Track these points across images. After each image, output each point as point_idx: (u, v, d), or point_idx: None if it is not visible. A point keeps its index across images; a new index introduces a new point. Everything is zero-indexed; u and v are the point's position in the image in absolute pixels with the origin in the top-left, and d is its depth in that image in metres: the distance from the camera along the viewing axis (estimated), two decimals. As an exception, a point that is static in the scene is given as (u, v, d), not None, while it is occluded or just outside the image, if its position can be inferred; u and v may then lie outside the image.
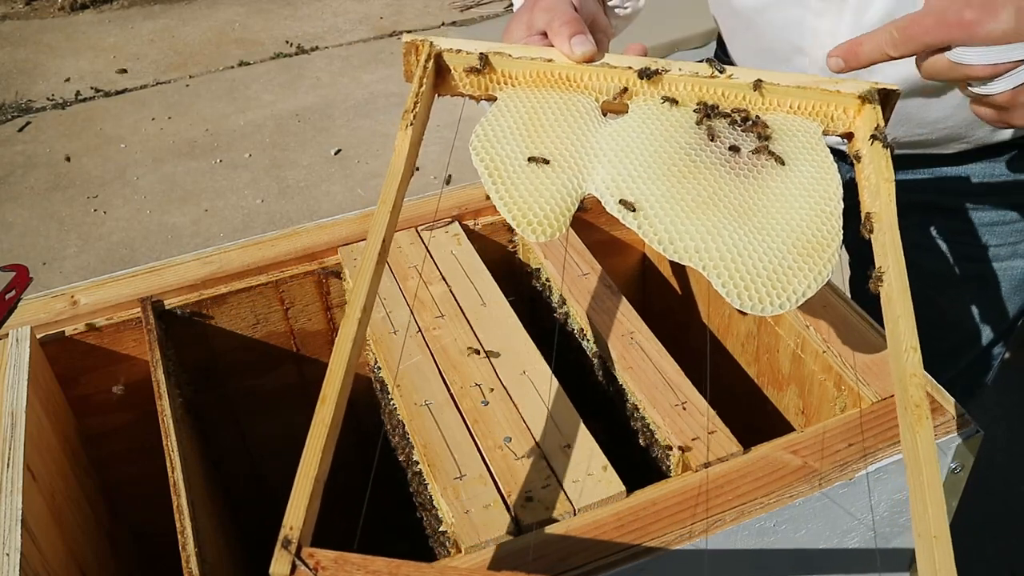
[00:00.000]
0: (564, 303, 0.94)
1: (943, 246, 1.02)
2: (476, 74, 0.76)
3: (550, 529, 0.67)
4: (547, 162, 0.71)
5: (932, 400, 0.74)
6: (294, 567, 0.48)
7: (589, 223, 1.10)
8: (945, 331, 1.08)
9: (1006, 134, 0.93)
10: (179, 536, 0.70)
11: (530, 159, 0.71)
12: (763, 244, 0.67)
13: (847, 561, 0.77)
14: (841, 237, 0.68)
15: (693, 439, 0.74)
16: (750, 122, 0.74)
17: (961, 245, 1.02)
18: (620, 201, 0.69)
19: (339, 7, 4.68)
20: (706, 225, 0.67)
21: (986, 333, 1.08)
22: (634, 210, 0.68)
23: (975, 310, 1.06)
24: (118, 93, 3.96)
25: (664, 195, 0.69)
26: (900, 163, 1.01)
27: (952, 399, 0.74)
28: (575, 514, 0.68)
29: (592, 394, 0.89)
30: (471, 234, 1.02)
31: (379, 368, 0.88)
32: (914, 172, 1.00)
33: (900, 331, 0.61)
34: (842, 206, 0.70)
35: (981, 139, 0.94)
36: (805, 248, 0.67)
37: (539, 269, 1.01)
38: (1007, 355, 1.18)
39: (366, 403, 0.96)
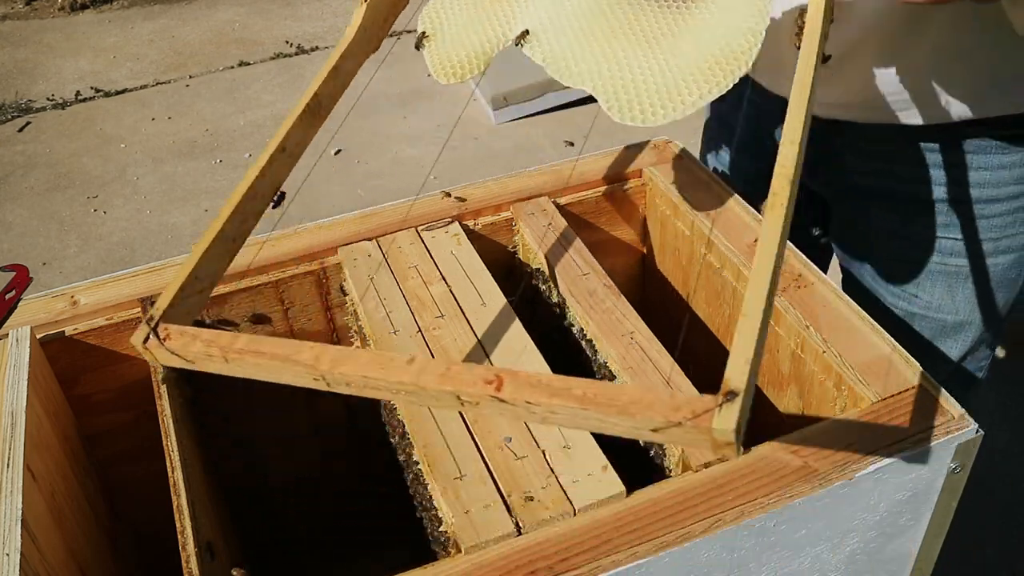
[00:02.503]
0: (564, 303, 0.94)
1: (926, 239, 1.02)
2: None
3: (550, 529, 0.67)
4: (426, 35, 0.78)
5: (933, 400, 0.74)
6: (147, 338, 0.58)
7: (589, 223, 1.10)
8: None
9: (988, 110, 0.91)
10: (179, 536, 0.70)
11: (424, 35, 0.78)
12: (664, 63, 0.66)
13: (848, 560, 0.77)
14: (757, 50, 0.64)
15: (693, 439, 0.74)
16: None
17: (944, 240, 1.02)
18: (529, 37, 0.72)
19: (339, 7, 4.68)
20: (606, 52, 0.68)
21: (974, 329, 1.08)
22: (539, 44, 0.71)
23: (961, 305, 1.06)
24: (118, 93, 3.97)
25: (580, 29, 0.71)
26: (883, 151, 1.00)
27: (952, 399, 0.74)
28: (575, 514, 0.68)
29: (592, 394, 0.89)
30: (471, 234, 1.02)
31: (379, 368, 0.88)
32: (896, 162, 0.99)
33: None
34: (767, 23, 0.66)
35: (961, 113, 0.91)
36: (708, 62, 0.65)
37: (539, 269, 1.01)
38: (1001, 353, 1.19)
39: (365, 402, 0.96)
